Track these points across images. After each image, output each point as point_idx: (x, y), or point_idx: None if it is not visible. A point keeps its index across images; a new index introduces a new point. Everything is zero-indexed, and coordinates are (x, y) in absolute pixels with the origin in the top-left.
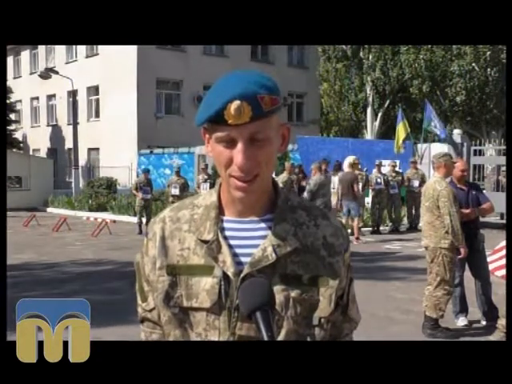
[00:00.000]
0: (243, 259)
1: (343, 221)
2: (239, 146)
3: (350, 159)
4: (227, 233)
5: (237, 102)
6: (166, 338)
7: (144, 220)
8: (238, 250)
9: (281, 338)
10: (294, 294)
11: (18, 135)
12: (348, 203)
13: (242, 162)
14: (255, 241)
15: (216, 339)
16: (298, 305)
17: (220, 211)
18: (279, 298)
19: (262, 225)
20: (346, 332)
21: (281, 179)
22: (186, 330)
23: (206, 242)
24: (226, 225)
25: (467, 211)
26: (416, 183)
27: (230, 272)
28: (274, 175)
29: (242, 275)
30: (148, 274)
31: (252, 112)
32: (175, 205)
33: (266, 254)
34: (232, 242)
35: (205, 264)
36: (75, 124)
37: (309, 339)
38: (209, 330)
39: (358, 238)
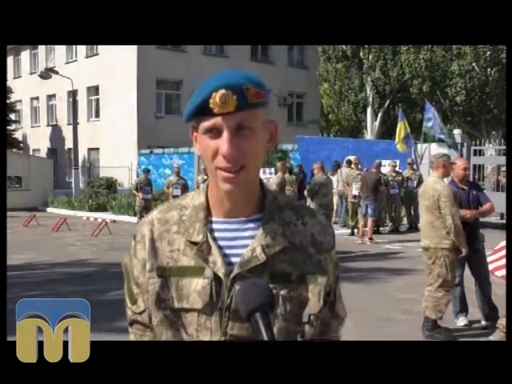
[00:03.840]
0: (233, 259)
1: (361, 221)
2: (225, 135)
3: (351, 159)
4: (216, 234)
5: (222, 91)
6: (158, 339)
7: None
8: (227, 251)
9: None
10: (283, 291)
11: (18, 135)
12: (369, 203)
13: (228, 150)
14: (244, 241)
15: (207, 339)
16: (288, 302)
17: (208, 212)
18: None
19: (251, 225)
20: (334, 328)
21: (275, 179)
22: (177, 331)
23: (196, 244)
24: (214, 226)
25: (467, 213)
26: (413, 184)
27: (221, 273)
28: (272, 175)
29: (231, 275)
30: (137, 276)
31: (237, 101)
32: (163, 206)
33: (256, 254)
34: (221, 243)
35: (195, 265)
36: (75, 124)
37: (299, 336)
38: (200, 330)
39: (371, 239)
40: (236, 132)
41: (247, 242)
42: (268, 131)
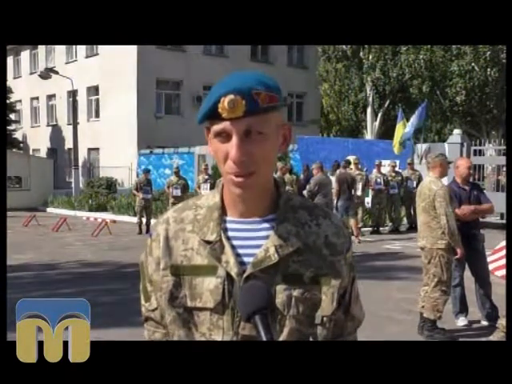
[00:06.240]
0: (246, 259)
1: (351, 222)
2: (233, 139)
3: (350, 158)
4: (230, 233)
5: (230, 96)
6: (171, 337)
7: (144, 220)
8: (240, 251)
9: (283, 336)
10: (296, 293)
11: (18, 135)
12: (349, 204)
13: (236, 155)
14: (258, 241)
15: (220, 339)
16: (301, 304)
17: (223, 211)
18: (281, 297)
19: (265, 225)
20: (349, 331)
21: None
22: (190, 329)
23: (210, 243)
24: (228, 225)
25: (463, 211)
26: (413, 184)
27: (233, 272)
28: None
29: (244, 275)
30: (151, 274)
31: (246, 106)
32: (179, 205)
33: (269, 255)
34: (235, 243)
35: (208, 264)
36: (75, 124)
37: (311, 338)
38: (212, 329)
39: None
40: (245, 137)
41: (261, 242)
42: (281, 134)
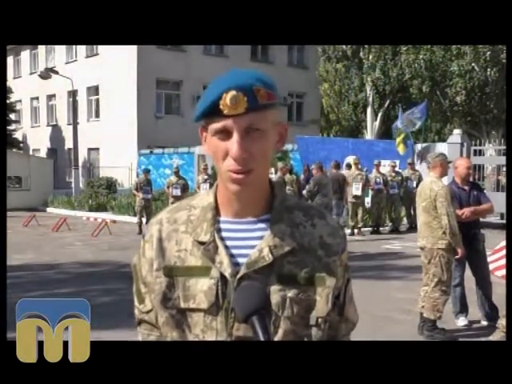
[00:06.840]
0: (240, 260)
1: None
2: (234, 136)
3: (350, 159)
4: (224, 234)
5: (232, 93)
6: (164, 339)
7: (144, 220)
8: (234, 251)
9: (278, 338)
10: (290, 294)
11: (18, 135)
12: (340, 203)
13: (237, 152)
14: (252, 241)
15: (213, 340)
16: (295, 305)
17: (217, 212)
18: (276, 298)
19: (259, 225)
20: (343, 333)
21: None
22: (183, 331)
23: (203, 244)
24: (222, 226)
25: (463, 212)
26: (413, 184)
27: (227, 273)
28: (272, 175)
29: (238, 276)
30: (145, 276)
31: (248, 103)
32: (172, 206)
33: (263, 255)
34: (229, 243)
35: (202, 265)
36: (75, 124)
37: (306, 339)
38: (206, 331)
39: None
40: (246, 134)
41: (255, 243)
42: (277, 132)
